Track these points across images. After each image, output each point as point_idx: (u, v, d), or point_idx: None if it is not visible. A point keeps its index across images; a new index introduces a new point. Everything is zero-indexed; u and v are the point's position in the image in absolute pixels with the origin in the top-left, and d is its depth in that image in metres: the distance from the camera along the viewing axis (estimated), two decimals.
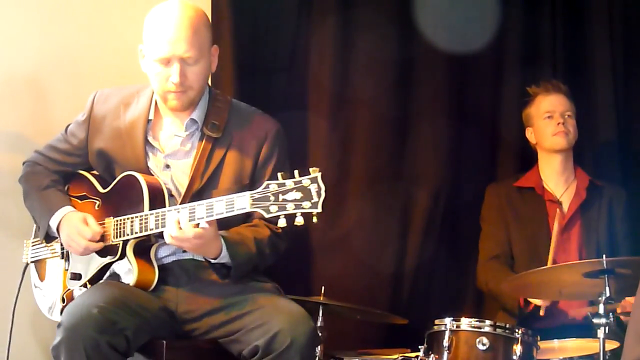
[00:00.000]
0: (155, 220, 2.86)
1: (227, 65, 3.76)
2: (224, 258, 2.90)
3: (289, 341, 2.72)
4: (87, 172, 3.18)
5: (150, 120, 3.05)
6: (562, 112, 3.88)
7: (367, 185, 4.03)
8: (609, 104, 4.34)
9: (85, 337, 2.68)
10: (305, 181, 2.60)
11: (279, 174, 2.64)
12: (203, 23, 2.97)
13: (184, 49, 2.89)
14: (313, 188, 2.59)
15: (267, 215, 2.64)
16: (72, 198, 3.13)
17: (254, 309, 2.85)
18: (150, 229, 2.87)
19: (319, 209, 2.58)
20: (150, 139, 3.05)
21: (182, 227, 2.76)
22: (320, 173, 2.60)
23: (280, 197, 2.61)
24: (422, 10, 4.08)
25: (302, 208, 2.59)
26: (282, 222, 2.62)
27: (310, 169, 2.61)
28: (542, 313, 3.61)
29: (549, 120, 3.89)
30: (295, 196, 2.60)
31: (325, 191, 2.57)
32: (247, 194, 2.68)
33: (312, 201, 2.58)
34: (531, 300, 3.63)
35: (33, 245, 3.27)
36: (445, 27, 4.14)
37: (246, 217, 2.99)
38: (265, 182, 2.66)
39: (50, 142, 3.21)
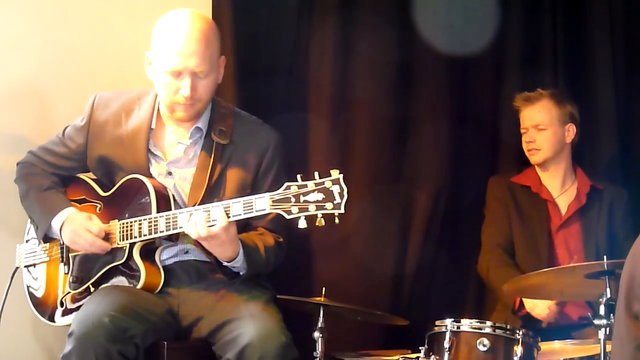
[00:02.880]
0: (167, 223, 2.85)
1: (228, 67, 3.71)
2: (239, 262, 2.89)
3: (257, 356, 2.71)
4: (85, 175, 3.17)
5: (152, 129, 3.05)
6: (534, 126, 3.86)
7: (367, 187, 4.03)
8: (610, 105, 4.33)
9: (97, 346, 2.69)
10: (327, 182, 2.62)
11: (298, 176, 2.65)
12: (214, 35, 2.95)
13: (196, 63, 2.88)
14: (335, 189, 2.60)
15: (287, 217, 2.64)
16: (70, 202, 3.11)
17: (232, 319, 2.83)
18: (161, 231, 2.86)
19: (342, 210, 2.60)
20: (152, 147, 3.04)
21: (217, 223, 2.74)
22: (342, 175, 2.62)
23: (302, 198, 2.63)
24: (422, 12, 4.08)
25: (325, 209, 2.60)
26: (302, 224, 2.63)
27: (331, 171, 2.63)
28: (544, 325, 3.63)
29: (524, 135, 3.91)
30: (317, 197, 2.61)
31: (348, 192, 2.59)
32: (267, 195, 2.69)
33: (335, 202, 2.60)
34: (527, 309, 3.65)
35: (27, 250, 3.25)
36: (445, 29, 4.14)
37: (245, 225, 2.98)
38: (285, 184, 2.66)
39: (46, 145, 3.19)
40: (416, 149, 4.18)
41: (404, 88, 4.17)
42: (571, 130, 3.89)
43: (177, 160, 3.05)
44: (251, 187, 3.01)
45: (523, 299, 3.67)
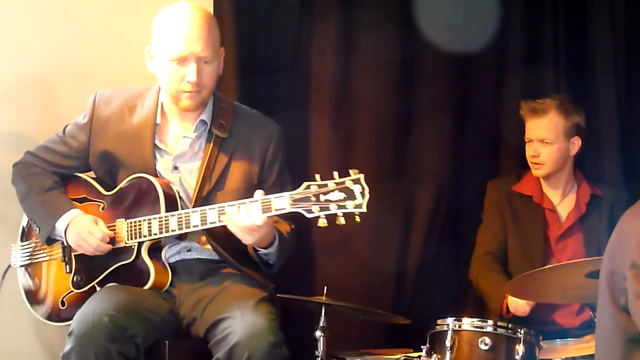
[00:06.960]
0: (179, 222, 2.86)
1: (229, 64, 3.75)
2: (274, 248, 2.93)
3: (246, 355, 2.71)
4: (84, 174, 3.17)
5: (158, 124, 3.06)
6: (540, 140, 3.79)
7: (369, 185, 3.99)
8: (611, 103, 4.32)
9: (96, 346, 2.70)
10: (348, 182, 2.66)
11: (317, 175, 2.68)
12: (215, 24, 3.01)
13: (201, 47, 2.91)
14: (357, 189, 2.65)
15: (308, 215, 2.67)
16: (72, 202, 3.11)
17: (224, 317, 2.84)
18: (173, 230, 2.88)
19: (364, 209, 2.64)
20: (157, 142, 3.05)
21: (253, 217, 2.76)
22: (362, 175, 2.66)
23: (322, 197, 2.65)
24: (424, 10, 4.08)
25: (346, 208, 2.64)
26: (322, 222, 2.65)
27: (350, 170, 2.67)
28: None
29: (528, 145, 3.84)
30: (339, 196, 2.65)
31: (369, 192, 2.62)
32: (287, 194, 2.71)
33: (357, 202, 2.64)
34: (512, 310, 3.62)
35: (23, 248, 3.23)
36: (447, 27, 4.14)
37: None
38: (305, 183, 2.69)
39: (45, 144, 3.19)
40: (418, 148, 4.17)
41: (405, 86, 4.17)
42: (576, 144, 3.82)
43: (182, 155, 3.06)
44: (257, 180, 3.04)
45: (508, 302, 3.65)
